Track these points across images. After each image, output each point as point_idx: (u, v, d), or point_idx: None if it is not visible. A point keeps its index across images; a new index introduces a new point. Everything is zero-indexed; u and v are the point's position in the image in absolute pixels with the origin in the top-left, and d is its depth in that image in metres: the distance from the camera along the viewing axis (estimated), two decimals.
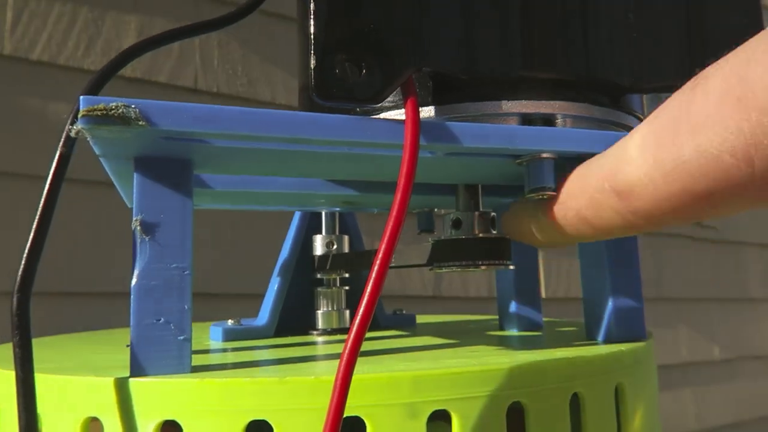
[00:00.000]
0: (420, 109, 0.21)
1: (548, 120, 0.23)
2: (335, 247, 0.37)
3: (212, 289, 0.83)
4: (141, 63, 0.87)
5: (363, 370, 0.20)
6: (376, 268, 0.17)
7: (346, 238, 0.38)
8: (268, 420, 0.19)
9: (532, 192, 0.23)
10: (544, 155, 0.22)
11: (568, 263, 1.05)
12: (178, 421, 0.19)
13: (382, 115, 0.24)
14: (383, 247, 0.18)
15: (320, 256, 0.37)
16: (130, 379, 0.20)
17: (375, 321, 0.39)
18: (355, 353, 0.17)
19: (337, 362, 0.23)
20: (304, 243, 0.38)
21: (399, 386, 0.20)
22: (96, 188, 0.78)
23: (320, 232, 0.37)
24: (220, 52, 0.92)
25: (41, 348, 0.29)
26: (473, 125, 0.21)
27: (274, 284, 0.36)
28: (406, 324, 0.41)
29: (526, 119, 0.23)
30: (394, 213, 0.18)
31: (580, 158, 0.23)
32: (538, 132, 0.21)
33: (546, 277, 1.07)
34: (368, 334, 0.35)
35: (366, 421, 0.19)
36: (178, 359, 0.21)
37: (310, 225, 0.38)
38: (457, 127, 0.21)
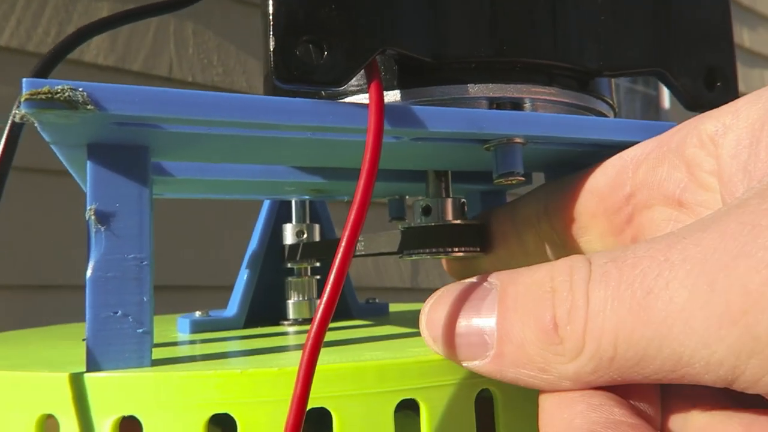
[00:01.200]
0: (385, 93, 0.21)
1: (516, 104, 0.23)
2: (306, 236, 0.36)
3: (180, 282, 0.82)
4: (114, 51, 0.85)
5: (328, 359, 0.20)
6: (339, 254, 0.17)
7: (317, 226, 0.37)
8: (230, 413, 0.19)
9: (500, 177, 0.22)
10: (513, 140, 0.22)
11: None
12: (137, 416, 0.19)
13: (347, 100, 0.23)
14: (347, 232, 0.17)
15: (290, 246, 0.36)
16: (86, 375, 0.19)
17: (347, 310, 0.39)
18: (318, 342, 0.17)
19: (296, 356, 0.23)
20: (273, 232, 0.37)
21: (365, 376, 0.19)
22: (55, 178, 0.76)
23: (290, 221, 0.37)
24: (195, 41, 0.90)
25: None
26: (439, 109, 0.20)
27: (244, 274, 0.36)
28: (378, 313, 0.40)
29: (494, 103, 0.22)
30: (357, 198, 0.18)
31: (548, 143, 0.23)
32: (506, 116, 0.21)
33: None
34: (338, 324, 0.35)
35: (332, 412, 0.19)
36: (138, 353, 0.20)
37: (280, 214, 0.38)
38: (423, 110, 0.20)
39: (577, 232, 0.24)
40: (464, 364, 0.18)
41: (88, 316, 0.20)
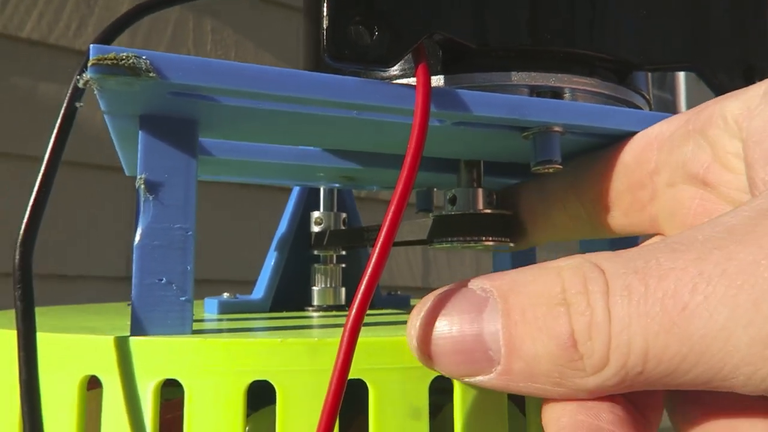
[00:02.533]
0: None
1: (556, 93, 0.23)
2: (333, 224, 0.37)
3: (202, 275, 0.83)
4: (134, 47, 0.86)
5: (365, 335, 0.20)
6: (387, 222, 0.17)
7: (343, 215, 0.37)
8: (270, 380, 0.19)
9: (538, 165, 0.23)
10: (553, 128, 0.22)
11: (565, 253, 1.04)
12: (180, 380, 0.19)
13: None
14: (392, 207, 0.18)
15: (317, 233, 0.37)
16: (131, 338, 0.20)
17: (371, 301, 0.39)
18: (362, 313, 0.17)
19: (336, 330, 0.24)
20: (302, 219, 0.37)
21: (402, 350, 0.20)
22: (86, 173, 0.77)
23: (318, 209, 0.37)
24: (213, 38, 0.91)
25: (39, 316, 0.29)
26: (484, 94, 0.21)
27: (271, 259, 0.36)
28: (401, 304, 0.41)
29: (535, 92, 0.23)
30: (403, 175, 0.18)
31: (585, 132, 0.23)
32: (549, 104, 0.21)
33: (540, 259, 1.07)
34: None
35: (369, 385, 0.19)
36: (180, 320, 0.21)
37: (309, 202, 0.38)
38: (468, 95, 0.21)
39: (604, 207, 0.24)
40: (465, 380, 0.17)
41: (134, 281, 0.20)
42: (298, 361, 0.19)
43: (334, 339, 0.19)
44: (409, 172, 0.18)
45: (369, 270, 0.18)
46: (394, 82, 0.23)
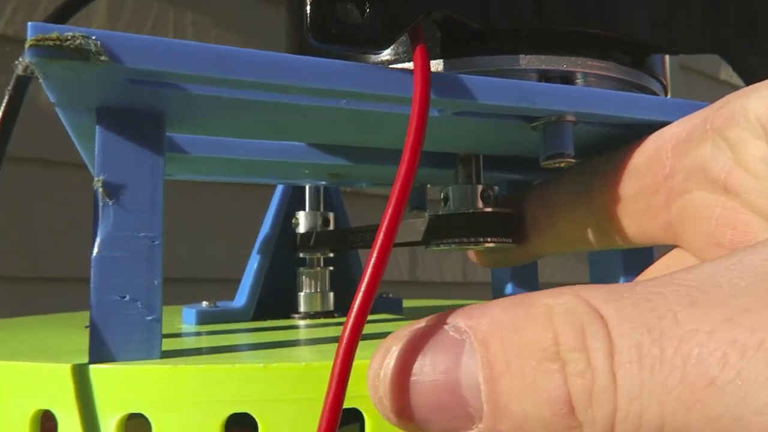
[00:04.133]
0: None
1: (567, 78, 0.21)
2: (319, 224, 0.34)
3: (182, 274, 0.80)
4: None
5: (360, 356, 0.18)
6: (385, 226, 0.15)
7: (331, 215, 0.35)
8: (250, 413, 0.17)
9: (549, 159, 0.20)
10: (565, 118, 0.20)
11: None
12: (146, 414, 0.17)
13: None
14: (390, 209, 0.15)
15: (303, 234, 0.34)
16: (90, 366, 0.17)
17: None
18: (357, 334, 0.15)
19: (325, 348, 0.21)
20: (285, 220, 0.35)
21: None
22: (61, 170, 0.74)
23: (303, 209, 0.35)
24: (193, 30, 0.88)
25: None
26: (489, 79, 0.18)
27: (254, 263, 0.34)
28: (392, 308, 0.38)
29: (544, 77, 0.20)
30: (402, 172, 0.16)
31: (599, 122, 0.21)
32: (562, 90, 0.19)
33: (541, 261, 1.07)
34: None
35: (364, 414, 0.17)
36: (147, 342, 0.18)
37: (293, 201, 0.36)
38: (471, 80, 0.18)
39: (616, 215, 0.22)
40: None
41: (92, 300, 0.18)
42: (284, 389, 0.17)
43: (324, 363, 0.17)
44: (408, 169, 0.16)
45: (366, 280, 0.15)
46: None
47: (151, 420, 0.16)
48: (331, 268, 0.34)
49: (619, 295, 0.13)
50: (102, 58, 0.14)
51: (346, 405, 0.16)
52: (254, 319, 0.33)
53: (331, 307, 0.34)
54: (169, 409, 0.16)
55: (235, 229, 0.84)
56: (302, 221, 0.34)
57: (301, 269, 0.34)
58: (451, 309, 0.15)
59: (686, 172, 0.19)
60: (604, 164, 0.22)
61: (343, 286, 0.36)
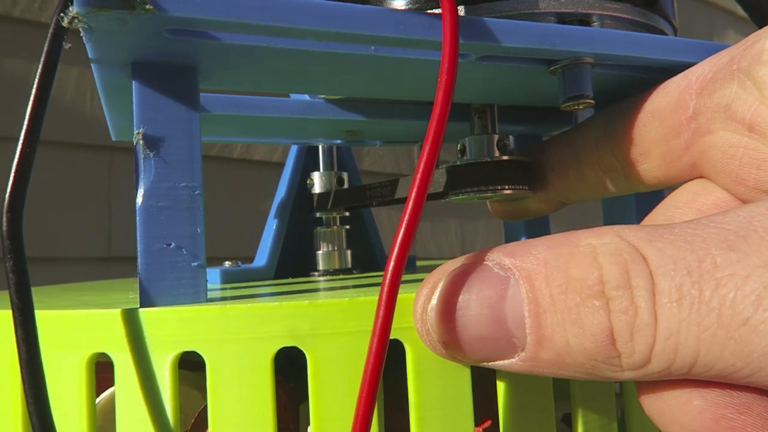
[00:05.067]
0: None
1: (584, 21, 0.21)
2: (334, 184, 0.35)
3: None
4: None
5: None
6: (422, 165, 0.15)
7: (345, 174, 0.36)
8: (299, 347, 0.17)
9: (569, 101, 0.21)
10: (584, 60, 0.20)
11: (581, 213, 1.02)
12: (200, 352, 0.17)
13: None
14: (427, 148, 0.16)
15: (319, 194, 0.35)
16: (140, 310, 0.18)
17: (375, 261, 0.38)
18: (401, 266, 0.16)
19: (358, 291, 0.22)
20: (301, 180, 0.35)
21: None
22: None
23: (317, 170, 0.35)
24: None
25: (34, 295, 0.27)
26: (513, 22, 0.19)
27: (272, 224, 0.34)
28: (408, 264, 0.39)
29: (562, 20, 0.21)
30: (436, 112, 0.16)
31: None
32: (582, 32, 0.20)
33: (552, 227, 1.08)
34: (371, 274, 0.34)
35: (406, 345, 0.18)
36: (193, 287, 0.19)
37: (306, 163, 0.36)
38: (497, 23, 0.19)
39: (639, 158, 0.22)
40: (483, 363, 0.15)
41: (139, 248, 0.18)
42: (330, 323, 0.17)
43: (368, 298, 0.18)
44: (442, 108, 0.16)
45: (406, 218, 0.16)
46: None
47: (204, 357, 0.17)
48: (348, 226, 0.35)
49: (660, 236, 0.14)
50: (147, 6, 0.15)
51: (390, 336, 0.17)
52: (275, 278, 0.33)
53: (349, 265, 0.35)
54: (220, 347, 0.17)
55: (238, 211, 0.84)
56: (317, 182, 0.35)
57: (318, 228, 0.35)
58: (489, 248, 0.16)
59: (711, 112, 0.19)
60: (628, 108, 0.22)
61: (359, 244, 0.36)
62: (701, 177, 0.21)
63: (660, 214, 0.21)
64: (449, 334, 0.15)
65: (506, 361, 0.15)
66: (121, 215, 0.78)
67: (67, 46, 0.15)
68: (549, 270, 0.14)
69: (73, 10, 0.15)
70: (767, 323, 0.12)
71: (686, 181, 0.21)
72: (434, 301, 0.16)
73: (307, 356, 0.17)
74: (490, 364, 0.15)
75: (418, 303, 0.16)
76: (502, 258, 0.15)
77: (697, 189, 0.20)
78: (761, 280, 0.12)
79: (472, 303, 0.15)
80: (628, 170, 0.23)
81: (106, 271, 0.77)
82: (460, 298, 0.15)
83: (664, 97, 0.21)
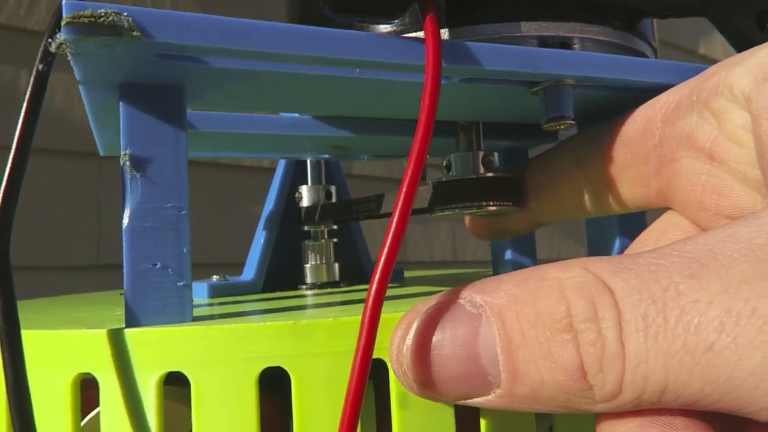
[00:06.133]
0: None
1: (565, 44, 0.22)
2: (322, 197, 0.35)
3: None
4: None
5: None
6: (405, 185, 0.16)
7: (333, 188, 0.36)
8: (283, 366, 0.18)
9: (550, 122, 0.21)
10: (565, 81, 0.21)
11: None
12: (185, 372, 0.18)
13: None
14: (410, 170, 0.16)
15: (307, 208, 0.35)
16: (126, 330, 0.18)
17: (363, 274, 0.38)
18: (383, 287, 0.16)
19: (343, 309, 0.22)
20: (289, 195, 0.36)
21: None
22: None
23: (306, 183, 0.36)
24: (194, 8, 0.87)
25: (20, 311, 0.27)
26: (496, 46, 0.19)
27: (260, 237, 0.34)
28: (396, 276, 0.39)
29: (543, 43, 0.21)
30: (419, 135, 0.17)
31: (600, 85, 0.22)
32: (562, 55, 0.20)
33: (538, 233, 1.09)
34: (359, 287, 0.34)
35: (389, 365, 0.18)
36: (179, 307, 0.19)
37: (295, 176, 0.36)
38: (479, 47, 0.19)
39: (610, 182, 0.23)
40: (459, 402, 0.15)
41: (126, 268, 0.18)
42: (314, 343, 0.18)
43: (352, 318, 0.18)
44: (425, 129, 0.17)
45: (389, 238, 0.16)
46: None
47: (189, 377, 0.17)
48: (335, 239, 0.36)
49: (624, 267, 0.14)
50: (134, 33, 0.15)
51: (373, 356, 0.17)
52: (263, 291, 0.34)
53: (337, 278, 0.35)
54: (205, 367, 0.17)
55: (227, 216, 0.84)
56: (305, 195, 0.35)
57: (306, 242, 0.35)
58: (462, 285, 0.16)
59: (675, 140, 0.20)
60: (600, 134, 0.23)
61: (347, 257, 0.37)
62: (668, 209, 0.21)
63: (631, 252, 0.21)
64: (425, 375, 0.15)
65: (482, 399, 0.15)
66: (110, 222, 0.78)
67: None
68: (519, 306, 0.14)
69: (61, 36, 0.15)
70: (730, 348, 0.12)
71: (656, 205, 0.22)
72: (408, 341, 0.16)
73: (292, 376, 0.18)
74: (466, 401, 0.15)
75: (394, 345, 0.16)
76: (473, 295, 0.15)
77: (665, 225, 0.21)
78: (723, 305, 0.12)
79: (445, 342, 0.15)
80: (601, 193, 0.23)
81: (95, 279, 0.77)
82: (434, 338, 0.15)
83: (633, 124, 0.22)
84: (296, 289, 0.34)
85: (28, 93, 0.17)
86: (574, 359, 0.13)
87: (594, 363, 0.13)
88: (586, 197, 0.24)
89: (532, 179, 0.27)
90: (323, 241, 0.35)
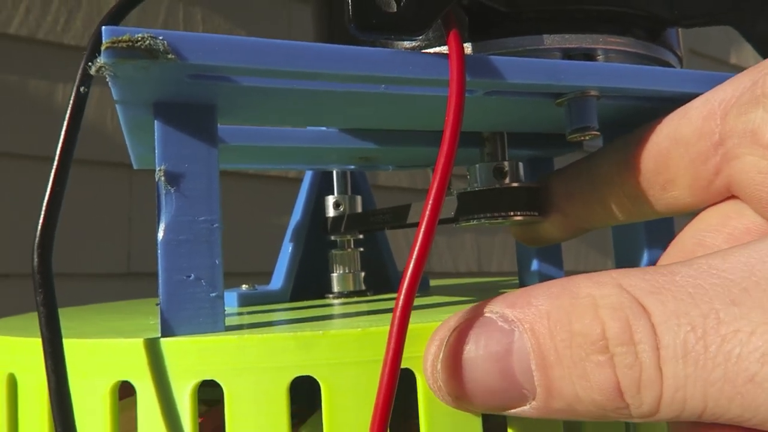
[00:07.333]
0: None
1: (589, 56, 0.22)
2: (348, 207, 0.36)
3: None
4: None
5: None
6: (431, 198, 0.16)
7: (359, 198, 0.36)
8: (313, 375, 0.18)
9: (575, 133, 0.22)
10: (589, 93, 0.21)
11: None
12: (218, 381, 0.18)
13: None
14: (436, 183, 0.17)
15: (333, 218, 0.36)
16: (162, 339, 0.19)
17: (389, 282, 0.38)
18: (410, 299, 0.16)
19: (370, 318, 0.22)
20: (315, 205, 0.36)
21: None
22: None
23: (331, 194, 0.36)
24: (204, 28, 0.89)
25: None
26: (519, 59, 0.20)
27: (287, 247, 0.35)
28: (421, 285, 0.40)
29: (567, 54, 0.22)
30: (444, 149, 0.17)
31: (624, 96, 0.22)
32: (586, 67, 0.20)
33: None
34: (385, 296, 0.34)
35: (416, 374, 0.18)
36: (212, 317, 0.20)
37: (321, 187, 0.37)
38: (502, 61, 0.19)
39: (666, 185, 0.21)
40: (496, 412, 0.16)
41: (161, 280, 0.19)
42: (343, 353, 0.18)
43: (380, 328, 0.18)
44: (450, 143, 0.17)
45: (416, 250, 0.17)
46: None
47: (223, 386, 0.18)
48: (362, 249, 0.36)
49: (661, 286, 0.14)
50: (169, 56, 0.16)
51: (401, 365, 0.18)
52: (291, 300, 0.34)
53: (363, 287, 0.35)
54: (238, 376, 0.18)
55: (253, 226, 0.85)
56: (331, 205, 0.36)
57: (333, 251, 0.35)
58: (489, 298, 0.16)
59: (737, 137, 0.19)
60: (647, 136, 0.22)
61: (373, 266, 0.37)
62: (734, 198, 0.20)
63: (690, 236, 0.20)
64: (460, 389, 0.16)
65: (518, 409, 0.15)
66: (141, 232, 0.80)
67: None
68: (552, 323, 0.14)
69: (101, 60, 0.16)
70: None
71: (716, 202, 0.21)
72: (443, 357, 0.16)
73: (321, 385, 0.18)
74: (503, 412, 0.16)
75: (428, 361, 0.17)
76: (504, 310, 0.15)
77: (729, 212, 0.20)
78: (765, 336, 0.12)
79: (479, 359, 0.15)
80: (656, 197, 0.22)
81: (126, 287, 0.78)
82: (468, 353, 0.16)
83: (687, 123, 0.20)
84: (323, 297, 0.35)
85: (68, 113, 0.18)
86: (611, 380, 0.14)
87: (631, 385, 0.13)
88: (638, 201, 0.23)
89: (571, 185, 0.26)
90: (349, 250, 0.35)
